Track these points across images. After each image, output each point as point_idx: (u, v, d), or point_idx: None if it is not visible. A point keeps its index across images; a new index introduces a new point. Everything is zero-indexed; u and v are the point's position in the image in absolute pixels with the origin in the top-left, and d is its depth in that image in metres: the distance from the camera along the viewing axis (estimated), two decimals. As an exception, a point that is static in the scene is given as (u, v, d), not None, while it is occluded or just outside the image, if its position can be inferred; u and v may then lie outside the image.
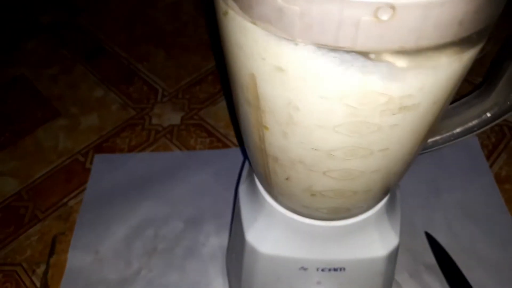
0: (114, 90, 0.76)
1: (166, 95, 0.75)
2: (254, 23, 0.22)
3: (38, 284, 0.55)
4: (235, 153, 0.67)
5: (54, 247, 0.58)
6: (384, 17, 0.19)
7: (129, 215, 0.61)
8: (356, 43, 0.20)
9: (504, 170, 0.63)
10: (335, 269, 0.39)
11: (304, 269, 0.39)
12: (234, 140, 0.69)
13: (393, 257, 0.40)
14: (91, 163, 0.66)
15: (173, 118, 0.72)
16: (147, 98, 0.75)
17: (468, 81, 0.74)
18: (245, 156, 0.47)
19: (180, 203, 0.62)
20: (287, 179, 0.31)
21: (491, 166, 0.63)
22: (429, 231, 0.57)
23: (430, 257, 0.55)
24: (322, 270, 0.39)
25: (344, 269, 0.39)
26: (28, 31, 0.88)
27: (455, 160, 0.64)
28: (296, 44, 0.21)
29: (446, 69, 0.22)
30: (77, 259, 0.57)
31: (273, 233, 0.38)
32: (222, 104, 0.74)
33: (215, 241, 0.58)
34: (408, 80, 0.22)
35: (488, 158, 0.64)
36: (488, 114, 0.33)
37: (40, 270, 0.56)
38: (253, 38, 0.23)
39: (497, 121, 0.33)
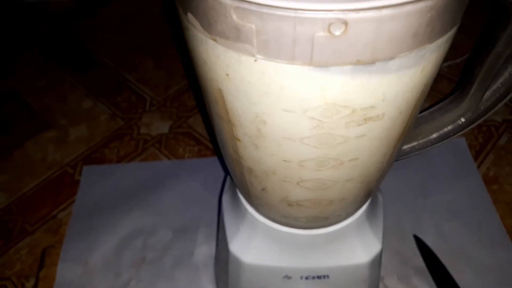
0: (103, 101, 0.76)
1: (155, 104, 0.75)
2: (215, 40, 0.22)
3: (27, 298, 0.55)
4: (223, 161, 0.67)
5: (44, 260, 0.58)
6: (337, 32, 0.19)
7: (118, 225, 0.61)
8: (312, 58, 0.20)
9: (492, 170, 0.63)
10: (319, 277, 0.39)
11: (288, 277, 0.39)
12: (223, 147, 0.69)
13: (376, 263, 0.40)
14: (80, 174, 0.67)
15: (162, 127, 0.72)
16: (135, 107, 0.75)
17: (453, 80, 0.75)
18: (224, 167, 0.47)
19: (169, 212, 0.62)
20: (263, 189, 0.31)
21: (478, 166, 0.63)
22: (418, 234, 0.57)
23: (419, 260, 0.55)
24: (306, 278, 0.39)
25: (328, 276, 0.39)
26: (23, 42, 0.88)
27: (442, 161, 0.64)
28: (255, 60, 0.21)
29: (407, 79, 0.23)
30: (66, 271, 0.57)
31: (256, 243, 0.39)
32: (211, 111, 0.74)
33: (204, 250, 0.58)
34: (364, 91, 0.22)
35: (475, 158, 0.64)
36: (463, 119, 0.33)
37: (30, 284, 0.56)
38: (215, 54, 0.23)
39: (471, 126, 0.33)
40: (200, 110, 0.74)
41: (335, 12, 0.18)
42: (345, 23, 0.19)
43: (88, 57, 0.85)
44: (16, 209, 0.63)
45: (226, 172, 0.45)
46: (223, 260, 0.44)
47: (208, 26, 0.22)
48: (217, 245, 0.55)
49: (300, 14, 0.18)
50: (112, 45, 0.87)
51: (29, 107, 0.77)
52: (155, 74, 0.81)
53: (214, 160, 0.67)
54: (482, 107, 0.32)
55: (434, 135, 0.34)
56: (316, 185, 0.29)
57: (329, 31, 0.19)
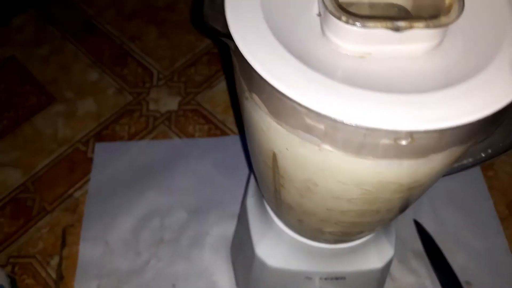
0: (108, 73, 0.76)
1: (162, 78, 0.75)
2: (280, 125, 0.23)
3: (53, 276, 0.59)
4: (233, 141, 0.69)
5: (65, 239, 0.61)
6: (404, 142, 0.21)
7: (134, 205, 0.63)
8: (376, 155, 0.22)
9: (489, 156, 0.66)
10: (336, 278, 0.43)
11: (308, 278, 0.43)
12: (232, 127, 0.70)
13: (388, 266, 0.44)
14: (92, 152, 0.68)
15: (170, 103, 0.73)
16: (142, 81, 0.75)
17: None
18: (251, 168, 0.49)
19: (182, 193, 0.64)
20: (299, 220, 0.34)
21: (477, 152, 0.67)
22: (418, 219, 0.61)
23: (418, 244, 0.60)
24: (325, 279, 0.43)
25: (344, 278, 0.43)
26: (15, 5, 0.84)
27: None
28: (320, 149, 0.23)
29: (451, 160, 0.25)
30: (88, 250, 0.60)
31: (281, 249, 0.42)
32: (218, 87, 0.74)
33: (218, 231, 0.61)
34: (416, 173, 0.24)
35: (474, 144, 0.67)
36: (489, 151, 0.36)
37: (54, 262, 0.60)
38: (276, 133, 0.24)
39: (496, 158, 0.35)
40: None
41: (404, 130, 0.20)
42: (412, 137, 0.20)
43: (88, 23, 0.83)
44: (33, 187, 0.65)
45: (250, 169, 0.47)
46: (246, 257, 0.47)
47: (275, 114, 0.23)
48: (235, 233, 0.58)
49: (371, 128, 0.20)
50: (112, 10, 0.84)
51: (33, 77, 0.76)
52: (159, 44, 0.80)
53: (224, 140, 0.69)
54: (508, 141, 0.35)
55: (455, 165, 0.37)
56: (352, 224, 0.32)
57: (395, 141, 0.21)
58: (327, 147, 0.22)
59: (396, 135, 0.20)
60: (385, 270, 0.45)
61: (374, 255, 0.42)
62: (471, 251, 0.59)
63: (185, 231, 0.61)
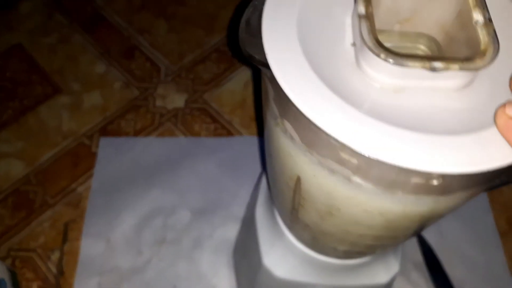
0: (116, 66, 0.75)
1: (170, 73, 0.75)
2: (310, 153, 0.23)
3: (54, 270, 0.58)
4: (238, 142, 0.69)
5: (67, 234, 0.61)
6: (435, 182, 0.21)
7: (138, 203, 0.63)
8: (404, 191, 0.22)
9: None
10: (341, 290, 0.43)
11: (314, 289, 0.43)
12: (238, 127, 0.70)
13: (392, 280, 0.44)
14: (97, 146, 0.67)
15: (177, 100, 0.72)
16: (150, 76, 0.74)
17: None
18: (264, 168, 0.48)
19: (187, 192, 0.64)
20: (314, 238, 0.34)
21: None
22: (420, 230, 0.62)
23: (418, 256, 0.60)
24: (330, 291, 0.43)
25: (350, 291, 0.43)
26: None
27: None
28: (350, 182, 0.23)
29: (472, 195, 0.25)
30: (89, 247, 0.60)
31: (289, 260, 0.42)
32: (226, 86, 0.74)
33: (221, 233, 0.61)
34: (440, 207, 0.24)
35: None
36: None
37: (55, 256, 0.59)
38: (306, 160, 0.24)
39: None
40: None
41: (437, 172, 0.20)
42: (443, 178, 0.20)
43: (96, 13, 0.82)
44: (36, 180, 0.65)
45: (261, 179, 0.47)
46: (251, 265, 0.47)
47: (307, 143, 0.23)
48: (239, 237, 0.58)
49: (406, 169, 0.20)
50: (121, 1, 0.83)
51: (39, 67, 0.75)
52: (168, 39, 0.79)
53: (230, 140, 0.69)
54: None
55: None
56: (367, 245, 0.32)
57: (427, 181, 0.21)
58: (357, 179, 0.22)
59: (429, 176, 0.20)
60: (390, 284, 0.45)
61: (381, 271, 0.42)
62: (470, 264, 0.60)
63: (188, 232, 0.61)
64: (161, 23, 0.81)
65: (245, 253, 0.51)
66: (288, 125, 0.24)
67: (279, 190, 0.33)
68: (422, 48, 0.27)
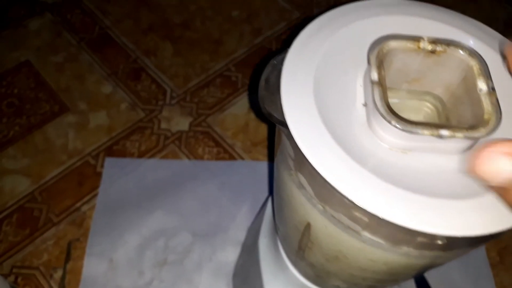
0: (122, 87, 0.77)
1: (175, 96, 0.77)
2: (323, 207, 0.25)
3: (56, 289, 0.60)
4: (240, 166, 0.70)
5: (70, 253, 0.62)
6: (439, 242, 0.23)
7: (141, 224, 0.64)
8: (409, 246, 0.24)
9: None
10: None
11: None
12: (240, 151, 0.72)
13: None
14: (102, 166, 0.69)
15: (182, 123, 0.74)
16: (155, 98, 0.76)
17: None
18: (271, 193, 0.50)
19: (188, 215, 0.66)
20: (317, 276, 0.36)
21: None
22: (414, 260, 0.63)
23: (411, 284, 0.62)
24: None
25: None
26: (31, 9, 0.85)
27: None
28: (359, 235, 0.25)
29: (471, 250, 0.27)
30: (92, 266, 0.61)
31: (291, 292, 0.43)
32: (229, 111, 0.76)
33: (222, 257, 0.63)
34: (442, 259, 0.26)
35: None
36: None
37: (57, 275, 0.60)
38: (317, 211, 0.26)
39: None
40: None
41: (443, 234, 0.22)
42: (448, 238, 0.22)
43: (104, 33, 0.83)
44: (41, 197, 0.66)
45: (265, 208, 0.49)
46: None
47: (320, 197, 0.25)
48: (239, 261, 0.59)
49: (415, 230, 0.22)
50: (129, 22, 0.85)
51: (46, 85, 0.76)
52: (174, 62, 0.81)
53: (232, 164, 0.70)
54: None
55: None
56: (369, 286, 0.34)
57: (432, 240, 0.23)
58: (366, 234, 0.24)
59: (434, 237, 0.22)
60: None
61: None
62: (462, 296, 0.62)
63: (189, 254, 0.63)
64: (167, 46, 0.83)
65: (246, 280, 0.52)
66: (302, 179, 0.25)
67: (286, 229, 0.34)
68: (428, 106, 0.30)
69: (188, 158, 0.71)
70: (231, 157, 0.71)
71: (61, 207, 0.65)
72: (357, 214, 0.23)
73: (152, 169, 0.69)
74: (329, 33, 0.28)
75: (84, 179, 0.68)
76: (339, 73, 0.27)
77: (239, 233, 0.64)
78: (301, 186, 0.26)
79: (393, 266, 0.27)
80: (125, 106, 0.75)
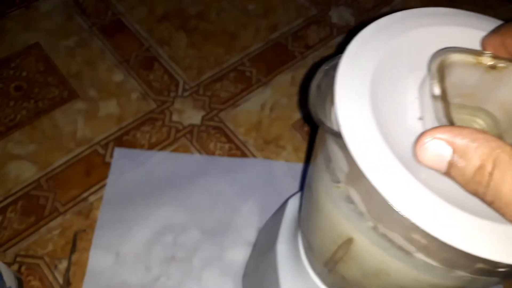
0: (134, 76, 0.75)
1: (187, 89, 0.75)
2: (374, 224, 0.24)
3: (60, 280, 0.58)
4: (252, 164, 0.69)
5: (76, 244, 0.60)
6: (500, 270, 0.22)
7: (150, 218, 0.63)
8: (465, 271, 0.23)
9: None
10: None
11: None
12: (252, 149, 0.70)
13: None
14: (111, 156, 0.67)
15: (194, 116, 0.72)
16: (167, 89, 0.75)
17: None
18: (300, 197, 0.48)
19: (198, 211, 0.65)
20: (345, 288, 0.35)
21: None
22: None
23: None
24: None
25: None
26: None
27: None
28: (411, 256, 0.24)
29: None
30: (98, 259, 0.60)
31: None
32: (243, 107, 0.74)
33: (231, 256, 0.62)
34: (490, 283, 0.25)
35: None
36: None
37: (62, 266, 0.59)
38: (365, 230, 0.25)
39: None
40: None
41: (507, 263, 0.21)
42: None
43: (117, 19, 0.81)
44: (47, 185, 0.64)
45: (283, 213, 0.48)
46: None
47: (375, 216, 0.24)
48: (249, 262, 0.58)
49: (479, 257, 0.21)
50: (143, 9, 0.83)
51: (56, 69, 0.74)
52: (188, 54, 0.79)
53: (244, 161, 0.69)
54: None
55: None
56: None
57: (494, 268, 0.22)
58: (420, 256, 0.23)
59: (498, 264, 0.21)
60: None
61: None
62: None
63: (197, 252, 0.62)
64: (181, 36, 0.81)
65: (260, 284, 0.51)
66: (354, 195, 0.24)
67: (317, 240, 0.33)
68: (479, 122, 0.28)
69: (199, 152, 0.69)
70: (243, 154, 0.70)
71: (67, 196, 0.64)
72: (416, 236, 0.22)
73: (163, 162, 0.68)
74: (383, 41, 0.27)
75: (92, 169, 0.66)
76: (392, 83, 0.26)
77: (249, 233, 0.63)
78: (349, 201, 0.25)
79: (439, 287, 0.26)
80: (136, 95, 0.73)
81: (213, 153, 0.69)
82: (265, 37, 0.83)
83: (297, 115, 0.74)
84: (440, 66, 0.25)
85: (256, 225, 0.64)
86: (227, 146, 0.70)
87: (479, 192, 0.19)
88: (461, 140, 0.19)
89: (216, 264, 0.61)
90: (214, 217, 0.64)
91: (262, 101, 0.75)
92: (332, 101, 0.26)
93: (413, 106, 0.26)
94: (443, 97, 0.24)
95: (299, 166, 0.69)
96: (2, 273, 0.52)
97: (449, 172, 0.19)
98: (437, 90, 0.24)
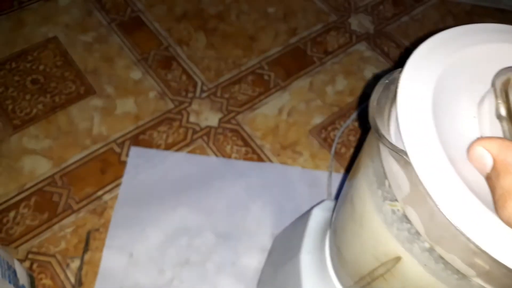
0: (152, 75, 0.74)
1: (205, 90, 0.74)
2: (431, 245, 0.23)
3: (72, 279, 0.57)
4: (269, 169, 0.68)
5: (88, 243, 0.59)
6: None
7: (164, 220, 0.62)
8: None
9: None
10: None
11: None
12: (269, 153, 0.70)
13: None
14: (126, 155, 0.66)
15: (211, 118, 0.71)
16: (185, 90, 0.74)
17: None
18: (334, 208, 0.48)
19: (213, 214, 0.64)
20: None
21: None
22: None
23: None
24: None
25: None
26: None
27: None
28: (467, 280, 0.23)
29: None
30: (111, 260, 0.59)
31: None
32: (260, 110, 0.73)
33: (245, 262, 0.61)
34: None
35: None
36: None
37: (74, 265, 0.58)
38: (419, 251, 0.24)
39: None
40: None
41: None
42: None
43: (136, 16, 0.81)
44: (61, 182, 0.63)
45: (307, 220, 0.47)
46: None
47: (433, 238, 0.23)
48: (269, 273, 0.57)
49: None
50: (162, 8, 0.82)
51: (73, 64, 0.73)
52: (207, 54, 0.78)
53: (260, 166, 0.68)
54: None
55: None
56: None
57: None
58: (479, 281, 0.22)
59: None
60: None
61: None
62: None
63: (211, 256, 0.61)
64: (200, 37, 0.80)
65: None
66: (412, 216, 0.23)
67: (355, 254, 0.32)
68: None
69: (216, 155, 0.68)
70: (259, 159, 0.69)
71: (82, 194, 0.63)
72: (478, 260, 0.21)
73: (179, 163, 0.67)
74: (443, 57, 0.26)
75: (108, 167, 0.65)
76: (452, 101, 0.25)
77: (264, 239, 0.62)
78: (404, 220, 0.24)
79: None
80: (153, 94, 0.72)
81: (229, 156, 0.69)
82: (284, 41, 0.82)
83: (314, 121, 0.73)
84: (504, 85, 0.24)
85: (271, 231, 0.63)
86: (243, 149, 0.70)
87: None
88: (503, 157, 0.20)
89: (230, 269, 0.60)
90: (229, 221, 0.64)
91: (279, 106, 0.74)
92: (390, 116, 0.25)
93: (472, 123, 0.25)
94: (509, 118, 0.23)
95: (316, 173, 0.68)
96: (16, 270, 0.51)
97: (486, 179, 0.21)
98: (503, 111, 0.23)
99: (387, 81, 0.26)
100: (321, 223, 0.46)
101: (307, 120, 0.73)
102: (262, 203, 0.66)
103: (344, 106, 0.75)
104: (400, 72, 0.25)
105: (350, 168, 0.69)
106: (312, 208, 0.49)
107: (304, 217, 0.50)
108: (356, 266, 0.33)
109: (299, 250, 0.46)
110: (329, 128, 0.72)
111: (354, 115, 0.74)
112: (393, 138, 0.25)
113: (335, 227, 0.37)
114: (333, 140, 0.71)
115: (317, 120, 0.73)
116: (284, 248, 0.53)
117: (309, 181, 0.68)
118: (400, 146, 0.23)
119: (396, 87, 0.24)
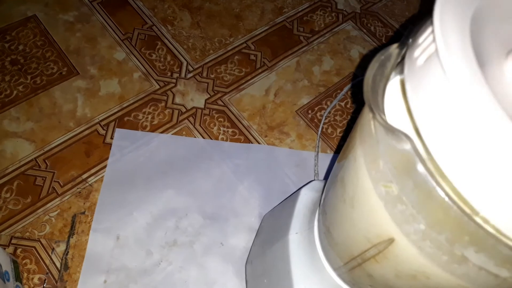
0: (136, 55, 0.73)
1: (191, 70, 0.73)
2: (437, 239, 0.23)
3: (58, 264, 0.56)
4: (256, 150, 0.68)
5: (74, 227, 0.59)
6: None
7: (151, 202, 0.61)
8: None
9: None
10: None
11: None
12: (256, 134, 0.69)
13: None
14: (111, 137, 0.65)
15: (197, 99, 0.70)
16: (170, 70, 0.72)
17: None
18: (326, 189, 0.48)
19: (200, 195, 0.63)
20: (369, 286, 0.34)
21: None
22: None
23: None
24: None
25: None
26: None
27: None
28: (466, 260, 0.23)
29: None
30: (98, 243, 0.58)
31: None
32: (246, 91, 0.73)
33: (233, 242, 0.61)
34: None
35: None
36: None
37: (60, 249, 0.57)
38: (412, 232, 0.24)
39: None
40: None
41: None
42: None
43: (119, -6, 0.78)
44: (44, 165, 0.62)
45: (296, 200, 0.47)
46: (273, 286, 0.47)
47: (430, 222, 0.23)
48: (258, 253, 0.57)
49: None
50: (146, -15, 0.80)
51: (54, 44, 0.71)
52: (191, 34, 0.77)
53: (248, 147, 0.68)
54: None
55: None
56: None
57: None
58: (477, 262, 0.22)
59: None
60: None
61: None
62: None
63: (199, 237, 0.61)
64: (185, 16, 0.78)
65: (266, 273, 0.50)
66: (407, 196, 0.23)
67: (346, 235, 0.32)
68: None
69: (202, 136, 0.68)
70: (246, 140, 0.69)
71: (66, 177, 0.62)
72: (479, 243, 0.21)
73: (165, 144, 0.66)
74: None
75: (92, 149, 0.64)
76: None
77: (252, 219, 0.62)
78: (399, 201, 0.24)
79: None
80: (138, 75, 0.71)
81: (216, 138, 0.68)
82: (270, 20, 0.81)
83: (301, 101, 0.73)
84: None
85: (258, 211, 0.63)
86: (230, 131, 0.69)
87: None
88: None
89: (218, 250, 0.60)
90: (216, 202, 0.63)
91: (266, 86, 0.74)
92: (384, 93, 0.25)
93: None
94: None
95: (303, 154, 0.68)
96: None
97: None
98: None
99: (382, 57, 0.25)
100: (309, 204, 0.46)
101: (294, 100, 0.73)
102: (249, 184, 0.65)
103: (331, 86, 0.74)
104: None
105: (339, 148, 0.69)
106: (300, 188, 0.49)
107: (293, 197, 0.50)
108: (347, 247, 0.33)
109: (288, 231, 0.46)
110: (316, 109, 0.72)
111: (341, 95, 0.73)
112: (388, 117, 0.24)
113: (324, 208, 0.36)
114: (320, 120, 0.71)
115: (304, 100, 0.73)
116: (273, 229, 0.53)
117: (296, 161, 0.68)
118: (394, 125, 0.22)
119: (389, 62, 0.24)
